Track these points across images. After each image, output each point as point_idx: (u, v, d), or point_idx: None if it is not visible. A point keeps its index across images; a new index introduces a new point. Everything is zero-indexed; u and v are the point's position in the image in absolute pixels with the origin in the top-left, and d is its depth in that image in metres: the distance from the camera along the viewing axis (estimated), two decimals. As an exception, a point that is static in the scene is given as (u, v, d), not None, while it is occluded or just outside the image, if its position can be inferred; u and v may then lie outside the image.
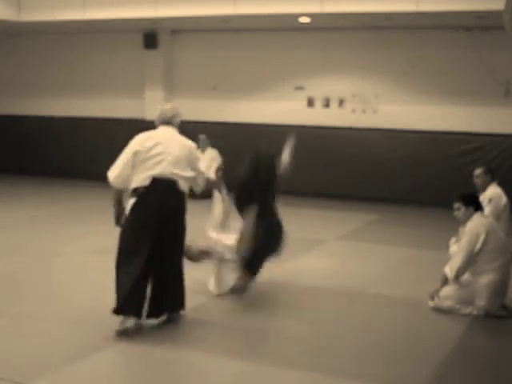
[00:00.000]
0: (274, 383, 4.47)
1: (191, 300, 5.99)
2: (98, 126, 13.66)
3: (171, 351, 4.92)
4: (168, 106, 5.68)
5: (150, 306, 5.33)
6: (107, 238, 8.32)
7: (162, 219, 5.20)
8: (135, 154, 5.26)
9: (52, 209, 10.53)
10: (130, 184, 5.29)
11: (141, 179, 5.21)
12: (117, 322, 5.33)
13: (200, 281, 6.30)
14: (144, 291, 5.24)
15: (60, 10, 11.63)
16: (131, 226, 5.22)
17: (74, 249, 7.89)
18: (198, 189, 5.66)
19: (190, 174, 5.38)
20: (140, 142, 5.33)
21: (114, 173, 5.34)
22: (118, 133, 13.35)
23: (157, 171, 5.20)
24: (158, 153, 5.24)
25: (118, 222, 5.44)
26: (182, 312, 5.58)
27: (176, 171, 5.26)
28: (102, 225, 9.25)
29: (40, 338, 5.06)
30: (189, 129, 13.36)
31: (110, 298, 5.75)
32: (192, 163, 5.43)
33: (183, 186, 5.34)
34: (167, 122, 5.51)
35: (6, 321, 5.42)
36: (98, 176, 13.24)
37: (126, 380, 4.55)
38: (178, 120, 5.58)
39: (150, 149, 5.26)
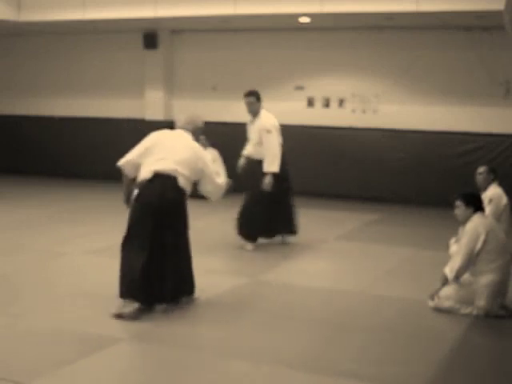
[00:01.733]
0: (274, 383, 4.47)
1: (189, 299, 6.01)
2: (98, 126, 13.66)
3: (170, 351, 4.92)
4: (187, 115, 6.04)
5: (150, 293, 5.51)
6: (107, 237, 8.36)
7: (161, 211, 5.48)
8: (147, 148, 5.70)
9: (52, 209, 10.53)
10: (137, 174, 5.68)
11: (144, 172, 5.59)
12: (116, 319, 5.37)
13: (201, 279, 6.29)
14: (144, 278, 5.43)
15: (60, 10, 11.62)
16: (133, 215, 5.58)
17: (74, 249, 7.89)
18: (214, 196, 5.99)
19: (191, 174, 5.66)
20: (153, 139, 5.79)
21: (125, 158, 5.79)
22: (118, 133, 13.39)
23: (159, 167, 5.55)
24: (163, 150, 5.64)
25: (126, 202, 5.83)
26: (186, 300, 5.82)
27: (177, 168, 5.57)
28: (102, 225, 9.29)
29: (40, 338, 5.06)
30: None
31: (111, 298, 5.76)
32: (198, 168, 5.71)
33: (183, 183, 5.61)
34: (182, 127, 5.91)
35: (6, 320, 5.42)
36: (98, 176, 13.41)
37: (126, 379, 4.54)
38: (192, 127, 5.91)
39: (159, 146, 5.68)
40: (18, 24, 12.07)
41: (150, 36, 12.84)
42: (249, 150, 8.15)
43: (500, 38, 10.43)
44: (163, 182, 5.52)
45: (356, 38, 11.77)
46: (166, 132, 5.87)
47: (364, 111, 11.90)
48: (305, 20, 11.02)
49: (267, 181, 7.79)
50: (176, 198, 5.59)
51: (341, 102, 12.04)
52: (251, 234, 8.06)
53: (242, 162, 8.22)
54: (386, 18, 10.44)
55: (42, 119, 14.15)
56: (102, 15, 11.41)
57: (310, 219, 10.14)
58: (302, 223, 9.79)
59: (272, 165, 7.82)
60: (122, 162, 5.77)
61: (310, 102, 12.24)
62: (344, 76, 12.00)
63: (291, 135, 12.47)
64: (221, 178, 5.95)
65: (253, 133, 8.04)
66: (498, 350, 5.26)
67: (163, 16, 11.16)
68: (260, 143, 7.91)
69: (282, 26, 11.94)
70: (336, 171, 11.99)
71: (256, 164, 7.94)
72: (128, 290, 5.48)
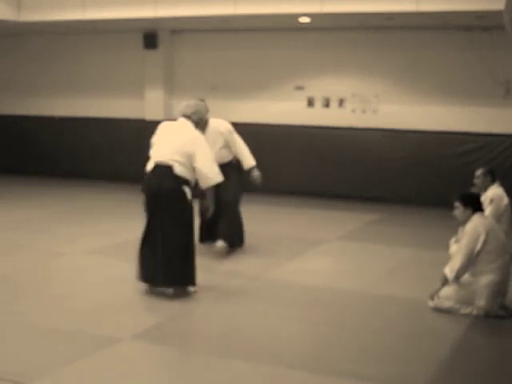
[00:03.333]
0: (274, 383, 4.48)
1: (190, 299, 6.01)
2: (98, 126, 13.65)
3: (170, 350, 4.93)
4: (192, 102, 6.38)
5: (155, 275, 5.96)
6: (107, 237, 8.36)
7: (158, 198, 5.90)
8: (154, 142, 6.16)
9: (52, 209, 10.53)
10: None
11: (148, 166, 6.06)
12: (116, 319, 5.38)
13: (201, 279, 6.30)
14: (149, 262, 5.94)
15: (60, 10, 11.62)
16: (143, 206, 6.08)
17: (74, 249, 7.89)
18: (204, 183, 6.08)
19: (186, 160, 5.92)
20: (157, 132, 6.21)
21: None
22: (118, 133, 13.39)
23: (158, 158, 5.98)
24: (162, 141, 6.07)
25: None
26: (188, 289, 6.12)
27: (174, 157, 5.90)
28: (102, 225, 9.29)
29: (40, 338, 5.06)
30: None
31: (111, 298, 5.76)
32: (190, 153, 5.93)
33: (180, 171, 5.91)
34: (186, 115, 6.21)
35: (6, 320, 5.42)
36: (99, 176, 13.41)
37: (126, 379, 4.54)
38: (198, 116, 6.25)
39: (160, 138, 6.11)
40: (18, 24, 12.07)
41: (150, 36, 12.84)
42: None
43: (500, 38, 10.43)
44: (161, 171, 5.91)
45: (356, 37, 11.76)
46: (166, 123, 6.31)
47: (364, 111, 11.90)
48: (305, 20, 11.01)
49: (257, 173, 7.89)
50: (173, 186, 5.90)
51: (341, 102, 12.04)
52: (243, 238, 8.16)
53: None
54: (386, 18, 10.43)
55: (41, 119, 14.14)
56: (101, 15, 11.41)
57: (310, 219, 10.17)
58: (302, 223, 9.81)
59: (252, 159, 7.92)
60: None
61: (310, 102, 12.24)
62: (344, 76, 12.00)
63: (291, 135, 12.54)
64: (214, 165, 6.13)
65: (210, 138, 7.23)
66: (498, 349, 5.26)
67: (163, 16, 11.16)
68: (226, 146, 7.80)
69: (282, 26, 11.93)
70: (336, 171, 11.99)
71: (227, 167, 7.59)
72: (138, 272, 6.05)
